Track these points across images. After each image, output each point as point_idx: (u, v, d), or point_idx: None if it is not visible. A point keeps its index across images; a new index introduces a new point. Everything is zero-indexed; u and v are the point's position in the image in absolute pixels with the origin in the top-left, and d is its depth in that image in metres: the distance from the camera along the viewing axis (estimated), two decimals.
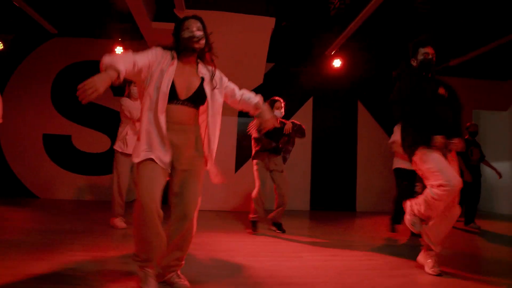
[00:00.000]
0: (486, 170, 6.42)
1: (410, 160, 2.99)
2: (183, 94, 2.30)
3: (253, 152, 4.71)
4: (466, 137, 5.85)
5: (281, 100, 4.71)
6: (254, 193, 4.56)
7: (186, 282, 2.34)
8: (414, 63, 3.07)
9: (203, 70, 2.43)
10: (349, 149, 7.81)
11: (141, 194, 2.10)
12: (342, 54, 7.23)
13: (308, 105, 7.88)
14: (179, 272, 2.40)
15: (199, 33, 2.35)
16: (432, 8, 5.78)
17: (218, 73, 2.50)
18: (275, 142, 4.65)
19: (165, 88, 2.22)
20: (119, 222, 4.42)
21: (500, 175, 5.85)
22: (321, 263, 3.12)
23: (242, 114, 7.00)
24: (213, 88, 2.42)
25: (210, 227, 4.81)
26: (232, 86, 2.59)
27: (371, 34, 6.70)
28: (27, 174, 7.30)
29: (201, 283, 2.45)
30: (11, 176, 7.25)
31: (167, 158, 2.22)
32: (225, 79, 2.56)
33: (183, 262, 2.40)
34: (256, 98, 2.55)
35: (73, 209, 6.03)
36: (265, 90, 7.20)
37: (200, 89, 2.35)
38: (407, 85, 2.97)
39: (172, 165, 2.27)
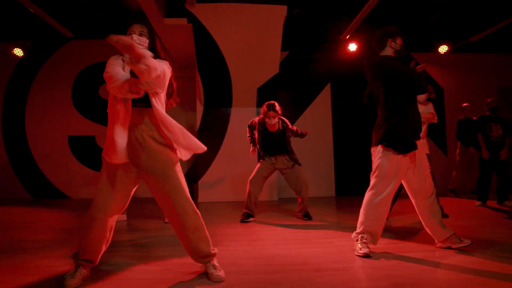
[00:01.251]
0: None
1: None
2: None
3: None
4: (487, 113, 5.79)
5: (276, 105, 4.66)
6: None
7: (221, 273, 2.40)
8: (391, 45, 3.10)
9: None
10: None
11: None
12: (357, 38, 7.15)
13: (326, 92, 7.84)
14: (215, 262, 2.46)
15: (138, 38, 2.29)
16: None
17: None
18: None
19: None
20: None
21: (503, 155, 5.66)
22: (353, 248, 3.14)
23: (260, 104, 7.01)
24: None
25: (237, 218, 4.89)
26: None
27: (386, 15, 6.58)
28: (57, 176, 7.55)
29: (235, 273, 2.51)
30: (42, 179, 7.52)
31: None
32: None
33: (212, 252, 2.45)
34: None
35: None
36: (281, 79, 7.23)
37: None
38: None
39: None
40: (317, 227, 4.22)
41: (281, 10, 5.94)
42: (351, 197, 7.28)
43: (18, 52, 7.17)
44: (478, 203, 5.65)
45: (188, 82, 7.39)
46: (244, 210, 4.78)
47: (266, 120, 4.67)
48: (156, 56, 2.37)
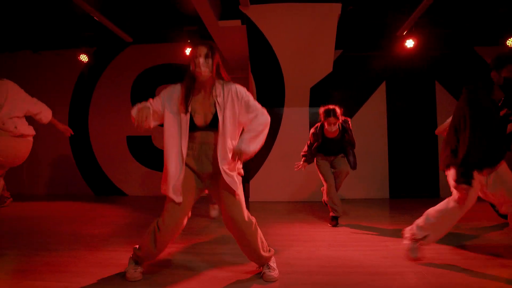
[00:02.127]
0: None
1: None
2: (201, 122, 2.43)
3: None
4: None
5: (337, 110, 4.33)
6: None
7: (274, 273, 2.41)
8: (494, 77, 2.61)
9: (217, 92, 2.46)
10: (429, 132, 7.34)
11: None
12: (414, 34, 6.84)
13: (381, 90, 7.57)
14: (270, 263, 2.48)
15: (204, 61, 2.38)
16: None
17: (233, 90, 2.48)
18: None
19: (185, 119, 2.41)
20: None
21: None
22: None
23: (313, 104, 6.93)
24: (223, 110, 2.44)
25: (292, 218, 4.88)
26: (251, 110, 2.54)
27: (445, 9, 6.24)
28: (116, 174, 7.94)
29: (288, 274, 2.49)
30: (102, 177, 7.95)
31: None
32: (241, 94, 2.51)
33: (264, 255, 2.46)
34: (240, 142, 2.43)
35: (157, 205, 6.40)
36: (334, 78, 7.10)
37: (216, 115, 2.42)
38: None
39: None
40: (371, 229, 4.09)
41: (335, 8, 5.83)
42: (405, 199, 6.99)
43: (84, 58, 7.64)
44: None
45: (241, 83, 7.39)
46: (333, 214, 4.45)
47: (326, 126, 4.34)
48: (219, 75, 2.50)
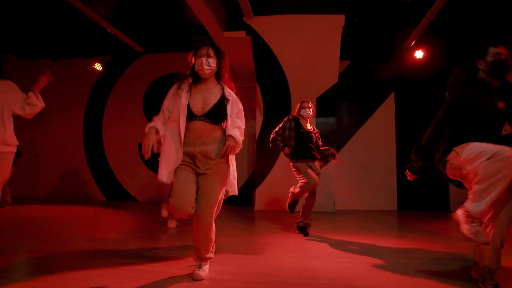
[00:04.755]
0: None
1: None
2: (199, 111, 2.55)
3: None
4: None
5: (309, 101, 4.59)
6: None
7: (201, 272, 2.58)
8: (481, 66, 2.57)
9: (227, 92, 2.65)
10: None
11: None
12: (423, 44, 6.80)
13: (390, 101, 7.53)
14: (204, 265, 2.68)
15: (206, 61, 2.55)
16: None
17: (232, 97, 2.66)
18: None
19: (183, 107, 2.55)
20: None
21: None
22: (392, 266, 3.00)
23: (320, 114, 6.91)
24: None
25: (287, 227, 4.90)
26: (234, 121, 2.65)
27: (453, 19, 6.19)
28: (128, 180, 8.18)
29: (265, 283, 2.53)
30: (115, 182, 8.20)
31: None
32: (234, 108, 2.66)
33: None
34: (232, 131, 2.57)
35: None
36: (342, 88, 7.11)
37: (218, 106, 2.57)
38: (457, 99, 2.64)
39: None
40: (366, 241, 4.07)
41: (339, 20, 5.88)
42: (413, 211, 6.90)
43: (98, 67, 7.94)
44: None
45: (248, 92, 7.57)
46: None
47: (301, 113, 4.50)
48: (219, 78, 2.69)
